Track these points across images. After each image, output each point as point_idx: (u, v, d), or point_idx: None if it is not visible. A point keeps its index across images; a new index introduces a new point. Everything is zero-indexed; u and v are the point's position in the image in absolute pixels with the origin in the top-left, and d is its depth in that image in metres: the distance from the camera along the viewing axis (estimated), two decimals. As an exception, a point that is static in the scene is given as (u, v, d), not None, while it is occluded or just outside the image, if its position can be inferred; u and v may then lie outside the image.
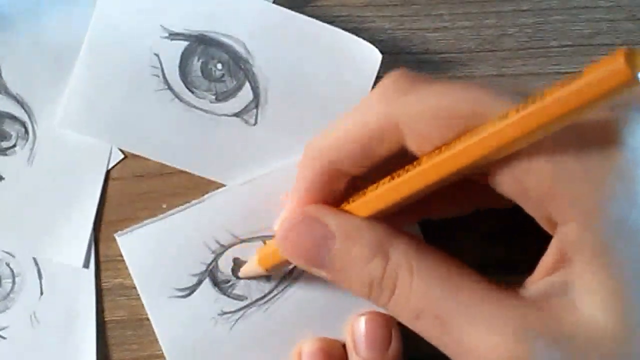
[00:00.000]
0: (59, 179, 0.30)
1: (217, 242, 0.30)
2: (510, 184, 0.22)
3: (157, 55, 0.30)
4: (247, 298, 0.30)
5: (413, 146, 0.23)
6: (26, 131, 0.30)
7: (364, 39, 0.30)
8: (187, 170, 0.30)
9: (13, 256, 0.30)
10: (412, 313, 0.23)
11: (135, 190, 0.31)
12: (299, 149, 0.29)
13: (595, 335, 0.20)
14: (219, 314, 0.30)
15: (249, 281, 0.30)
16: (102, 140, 0.30)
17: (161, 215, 0.30)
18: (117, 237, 0.30)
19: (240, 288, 0.30)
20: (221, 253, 0.30)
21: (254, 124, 0.30)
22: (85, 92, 0.30)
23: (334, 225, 0.24)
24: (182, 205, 0.30)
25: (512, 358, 0.21)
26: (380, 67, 0.31)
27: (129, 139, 0.30)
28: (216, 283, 0.30)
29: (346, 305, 0.30)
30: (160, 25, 0.30)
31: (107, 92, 0.30)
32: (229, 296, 0.30)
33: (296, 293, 0.30)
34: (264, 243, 0.30)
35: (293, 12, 0.30)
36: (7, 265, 0.30)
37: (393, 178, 0.23)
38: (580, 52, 0.32)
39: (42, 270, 0.30)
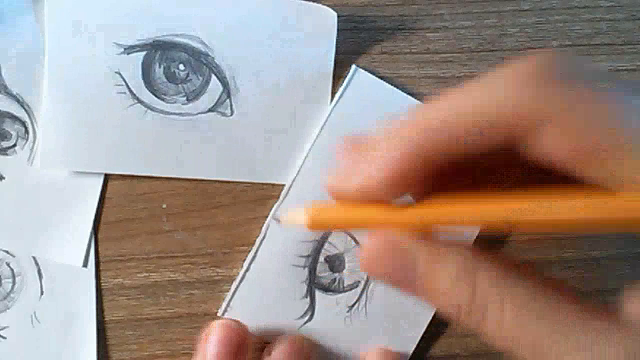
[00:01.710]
0: (59, 178, 0.30)
1: (301, 256, 0.30)
2: (566, 145, 0.18)
3: (118, 72, 0.30)
4: (359, 282, 0.30)
5: (548, 151, 0.19)
6: (26, 131, 0.30)
7: (364, 39, 0.30)
8: (179, 176, 0.30)
9: (13, 256, 0.30)
10: (503, 342, 0.22)
11: (135, 190, 0.30)
12: (281, 128, 0.30)
13: None
14: (347, 311, 0.30)
15: (351, 268, 0.30)
16: (87, 170, 0.30)
17: (243, 271, 0.30)
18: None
19: (347, 278, 0.30)
20: (311, 263, 0.30)
21: (231, 114, 0.30)
22: (58, 128, 0.30)
23: (415, 251, 0.22)
24: (181, 205, 0.30)
25: None
26: (382, 66, 0.31)
27: (113, 163, 0.30)
28: (326, 289, 0.30)
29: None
30: (114, 43, 0.30)
31: (80, 123, 0.30)
32: (344, 291, 0.30)
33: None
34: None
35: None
36: (7, 265, 0.30)
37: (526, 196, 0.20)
38: (580, 51, 0.31)
39: (42, 270, 0.30)
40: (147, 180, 0.30)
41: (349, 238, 0.30)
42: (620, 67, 0.31)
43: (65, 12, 0.30)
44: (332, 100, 0.31)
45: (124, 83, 0.30)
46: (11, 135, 0.30)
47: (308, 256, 0.30)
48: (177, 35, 0.30)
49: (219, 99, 0.30)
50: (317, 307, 0.30)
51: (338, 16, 0.31)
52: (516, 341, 0.22)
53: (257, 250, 0.30)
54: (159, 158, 0.30)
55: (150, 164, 0.30)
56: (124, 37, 0.30)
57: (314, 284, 0.30)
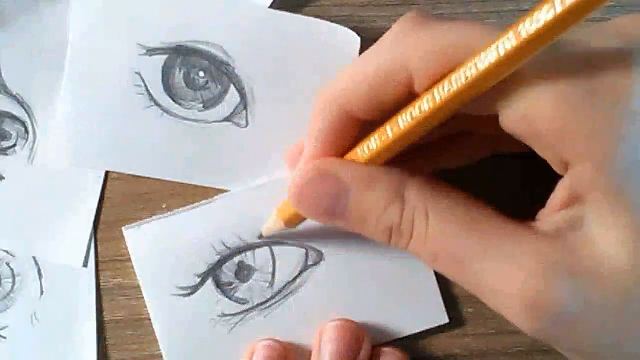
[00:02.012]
0: (59, 178, 0.30)
1: (224, 244, 0.30)
2: (521, 123, 0.21)
3: (138, 73, 0.30)
4: (248, 302, 0.30)
5: (422, 86, 0.23)
6: (26, 131, 0.30)
7: (364, 39, 0.30)
8: (188, 182, 0.30)
9: (13, 256, 0.30)
10: (431, 255, 0.23)
11: (135, 190, 0.30)
12: (293, 142, 0.29)
13: (612, 269, 0.20)
14: (219, 316, 0.30)
15: (251, 286, 0.30)
16: (100, 169, 0.30)
17: (169, 213, 0.30)
18: (124, 231, 0.30)
19: (242, 292, 0.30)
20: (227, 255, 0.30)
21: (246, 126, 0.30)
22: (74, 125, 0.30)
23: (348, 177, 0.24)
24: (181, 205, 0.30)
25: (534, 292, 0.21)
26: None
27: (125, 163, 0.30)
28: (219, 285, 0.30)
29: (345, 317, 0.30)
30: (137, 44, 0.30)
31: (96, 121, 0.30)
32: (230, 299, 0.30)
33: (297, 301, 0.30)
34: (270, 249, 0.30)
35: (266, 8, 0.30)
36: (8, 265, 0.30)
37: (397, 115, 0.23)
38: (581, 52, 0.31)
39: (42, 270, 0.30)
40: (147, 181, 0.30)
41: (270, 263, 0.30)
42: (621, 67, 0.31)
43: (92, 9, 0.30)
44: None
45: (143, 84, 0.30)
46: (11, 135, 0.30)
47: (228, 248, 0.30)
48: (200, 42, 0.30)
49: (235, 109, 0.30)
50: (198, 292, 0.30)
51: (338, 16, 0.31)
52: (440, 254, 0.23)
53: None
54: (170, 162, 0.30)
55: (162, 168, 0.30)
56: (147, 39, 0.30)
57: (212, 272, 0.30)
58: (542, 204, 0.23)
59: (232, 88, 0.30)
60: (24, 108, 0.30)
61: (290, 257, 0.30)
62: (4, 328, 0.30)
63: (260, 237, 0.30)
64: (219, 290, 0.30)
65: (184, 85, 0.30)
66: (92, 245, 0.30)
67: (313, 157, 0.25)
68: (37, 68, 0.30)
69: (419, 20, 0.23)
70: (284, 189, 0.29)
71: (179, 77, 0.30)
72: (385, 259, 0.30)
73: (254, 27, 0.30)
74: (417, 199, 0.23)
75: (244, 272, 0.30)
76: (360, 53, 0.30)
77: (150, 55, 0.30)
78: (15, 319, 0.30)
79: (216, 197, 0.30)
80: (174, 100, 0.30)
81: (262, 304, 0.30)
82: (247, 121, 0.30)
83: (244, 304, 0.30)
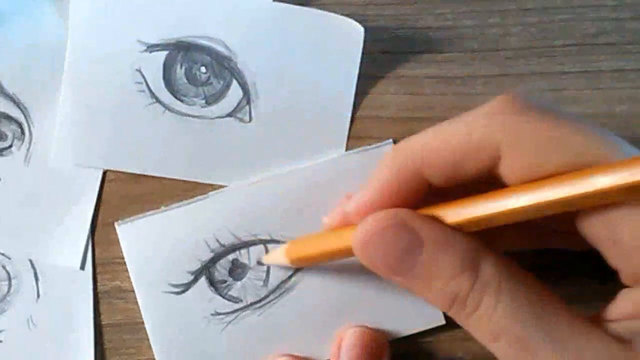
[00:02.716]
0: (56, 180, 0.30)
1: (218, 241, 0.30)
2: (601, 228, 0.21)
3: (139, 70, 0.30)
4: (242, 301, 0.30)
5: (506, 172, 0.22)
6: (22, 131, 0.30)
7: (365, 38, 0.30)
8: (192, 179, 0.30)
9: (9, 258, 0.30)
10: (492, 334, 0.23)
11: (132, 191, 0.30)
12: (298, 138, 0.30)
13: None
14: (212, 314, 0.30)
15: (245, 284, 0.30)
16: (101, 167, 0.30)
17: (163, 208, 0.30)
18: (116, 226, 0.30)
19: (236, 290, 0.30)
20: (220, 253, 0.30)
21: (249, 121, 0.30)
22: (75, 124, 0.30)
23: (424, 232, 0.23)
24: (180, 206, 0.30)
25: None
26: (383, 66, 0.31)
27: (127, 161, 0.30)
28: (212, 282, 0.30)
29: (340, 318, 0.30)
30: (137, 40, 0.30)
31: (97, 119, 0.30)
32: (224, 297, 0.30)
33: (291, 300, 0.30)
34: (265, 247, 0.30)
35: (266, 1, 0.30)
36: (4, 267, 0.30)
37: (497, 193, 0.22)
38: (584, 51, 0.31)
39: (38, 273, 0.30)
40: (145, 182, 0.30)
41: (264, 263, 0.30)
42: (625, 67, 0.31)
43: (91, 6, 0.30)
44: (352, 116, 0.31)
45: (143, 81, 0.30)
46: (7, 136, 0.30)
47: (222, 245, 0.30)
48: (201, 37, 0.30)
49: (238, 105, 0.30)
50: (191, 289, 0.30)
51: (339, 14, 0.30)
52: (503, 335, 0.22)
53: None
54: (172, 160, 0.30)
55: (165, 166, 0.30)
56: (147, 35, 0.30)
57: (206, 269, 0.30)
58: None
59: (235, 83, 0.30)
60: (20, 108, 0.30)
61: (282, 267, 0.30)
62: (0, 331, 0.30)
63: (259, 262, 0.30)
64: (212, 288, 0.30)
65: (186, 81, 0.30)
66: (89, 247, 0.30)
67: (369, 205, 0.24)
68: (33, 68, 0.30)
69: (518, 104, 0.23)
70: (280, 185, 0.29)
71: (180, 73, 0.30)
72: None
73: (255, 20, 0.30)
74: (491, 274, 0.22)
75: (237, 270, 0.30)
76: (363, 46, 0.30)
77: (150, 52, 0.30)
78: (11, 323, 0.30)
79: (211, 192, 0.30)
80: (175, 97, 0.30)
81: (255, 302, 0.30)
82: (250, 116, 0.30)
83: (237, 302, 0.30)
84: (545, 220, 0.22)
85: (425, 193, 0.24)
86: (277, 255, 0.29)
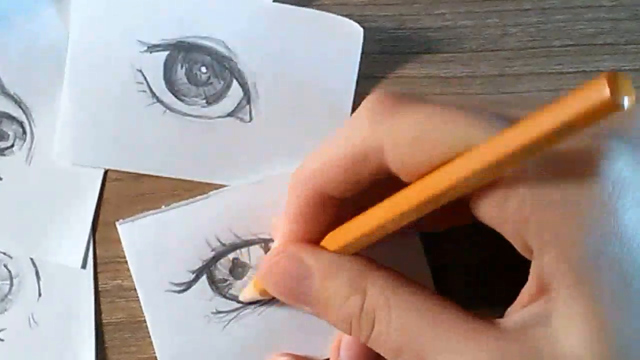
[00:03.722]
0: (57, 179, 0.30)
1: (219, 240, 0.30)
2: (489, 210, 0.22)
3: (140, 70, 0.30)
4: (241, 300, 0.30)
5: (396, 170, 0.23)
6: (24, 131, 0.30)
7: (365, 38, 0.30)
8: (193, 179, 0.30)
9: (11, 257, 0.30)
10: (392, 351, 0.23)
11: (133, 191, 0.30)
12: (298, 138, 0.30)
13: None
14: (213, 313, 0.30)
15: (246, 283, 0.30)
16: (103, 167, 0.30)
17: (164, 208, 0.30)
18: (117, 225, 0.30)
19: (236, 289, 0.30)
20: (221, 252, 0.30)
21: (250, 121, 0.30)
22: (76, 124, 0.30)
23: (312, 263, 0.25)
24: (181, 205, 0.30)
25: None
26: (382, 66, 0.31)
27: (128, 161, 0.30)
28: (213, 281, 0.30)
29: None
30: (138, 40, 0.30)
31: (98, 119, 0.30)
32: (224, 296, 0.30)
33: None
34: (265, 246, 0.30)
35: (266, 1, 0.30)
36: (5, 266, 0.30)
37: (370, 210, 0.23)
38: (582, 51, 0.31)
39: (40, 272, 0.30)
40: (146, 181, 0.30)
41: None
42: (623, 67, 0.31)
43: (93, 6, 0.30)
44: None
45: (144, 81, 0.30)
46: (8, 135, 0.30)
47: (223, 244, 0.30)
48: (201, 38, 0.30)
49: (238, 104, 0.30)
50: (192, 288, 0.30)
51: (338, 14, 0.30)
52: (403, 349, 0.23)
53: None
54: (173, 159, 0.30)
55: (166, 165, 0.30)
56: (148, 36, 0.30)
57: (207, 268, 0.30)
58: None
59: (235, 83, 0.30)
60: (21, 108, 0.30)
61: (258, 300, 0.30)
62: (2, 330, 0.30)
63: (238, 301, 0.30)
64: (213, 287, 0.30)
65: (186, 81, 0.30)
66: (91, 246, 0.30)
67: (288, 235, 0.26)
68: (35, 68, 0.30)
69: (391, 101, 0.23)
70: (279, 185, 0.29)
71: (180, 73, 0.30)
72: (381, 259, 0.30)
73: (256, 21, 0.30)
74: (379, 292, 0.23)
75: (238, 269, 0.30)
76: (362, 47, 0.30)
77: (151, 52, 0.30)
78: (12, 321, 0.30)
79: (212, 192, 0.30)
80: (176, 97, 0.30)
81: (256, 301, 0.30)
82: (251, 116, 0.30)
83: (238, 301, 0.30)
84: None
85: (337, 207, 0.25)
86: (249, 291, 0.29)
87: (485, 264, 0.30)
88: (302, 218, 0.26)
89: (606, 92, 0.16)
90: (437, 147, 0.21)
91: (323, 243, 0.26)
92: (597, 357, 0.20)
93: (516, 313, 0.22)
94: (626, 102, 0.16)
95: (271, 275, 0.26)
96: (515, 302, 0.23)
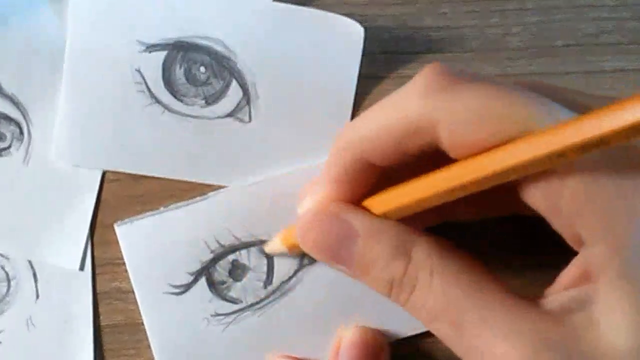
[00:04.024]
0: (55, 180, 0.30)
1: (218, 242, 0.30)
2: (541, 198, 0.22)
3: (138, 70, 0.30)
4: (241, 301, 0.30)
5: (448, 147, 0.22)
6: (21, 132, 0.30)
7: (366, 37, 0.30)
8: (191, 180, 0.30)
9: (8, 259, 0.30)
10: (429, 315, 0.23)
11: (132, 192, 0.30)
12: (298, 139, 0.30)
13: (614, 355, 0.20)
14: (212, 315, 0.30)
15: (245, 285, 0.30)
16: (101, 168, 0.30)
17: (163, 209, 0.30)
18: (116, 227, 0.30)
19: (235, 291, 0.30)
20: (220, 253, 0.30)
21: (249, 121, 0.30)
22: (74, 124, 0.30)
23: (357, 223, 0.24)
24: (180, 207, 0.30)
25: None
26: (383, 66, 0.31)
27: (126, 162, 0.30)
28: (212, 283, 0.30)
29: (340, 318, 0.30)
30: (136, 40, 0.30)
31: (97, 120, 0.30)
32: (224, 298, 0.30)
33: (291, 301, 0.30)
34: (262, 247, 0.30)
35: (266, 1, 0.30)
36: (2, 268, 0.30)
37: (421, 179, 0.23)
38: (585, 51, 0.31)
39: (37, 274, 0.30)
40: (144, 182, 0.30)
41: (265, 262, 0.30)
42: (626, 67, 0.31)
43: (90, 6, 0.30)
44: (352, 116, 0.31)
45: (143, 82, 0.30)
46: (6, 136, 0.30)
47: (222, 246, 0.30)
48: (200, 37, 0.30)
49: (238, 105, 0.30)
50: (191, 290, 0.29)
51: (339, 14, 0.30)
52: (440, 316, 0.23)
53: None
54: (172, 160, 0.30)
55: (165, 166, 0.30)
56: (146, 35, 0.30)
57: (206, 270, 0.29)
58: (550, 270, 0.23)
59: (234, 83, 0.30)
60: (19, 109, 0.30)
61: (285, 256, 0.30)
62: (-1, 332, 0.30)
63: (262, 251, 0.30)
64: (212, 289, 0.30)
65: (185, 81, 0.30)
66: (89, 248, 0.30)
67: (326, 197, 0.26)
68: (32, 68, 0.30)
69: (449, 76, 0.23)
70: (280, 185, 0.29)
71: (179, 73, 0.30)
72: None
73: (255, 20, 0.30)
74: (423, 257, 0.23)
75: (237, 271, 0.30)
76: (364, 46, 0.30)
77: (150, 52, 0.30)
78: (10, 323, 0.30)
79: (211, 193, 0.30)
80: (175, 97, 0.30)
81: (255, 303, 0.30)
82: (250, 116, 0.30)
83: (237, 303, 0.30)
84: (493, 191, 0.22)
85: (377, 175, 0.25)
86: (277, 246, 0.29)
87: (485, 264, 0.30)
88: (342, 181, 0.25)
89: None
90: (496, 128, 0.21)
91: (365, 205, 0.25)
92: (635, 351, 0.20)
93: (557, 294, 0.22)
94: None
95: (312, 232, 0.25)
96: (555, 284, 0.23)
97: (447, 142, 0.22)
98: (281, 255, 0.30)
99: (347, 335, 0.29)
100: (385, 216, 0.25)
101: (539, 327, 0.21)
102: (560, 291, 0.22)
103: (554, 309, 0.22)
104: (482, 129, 0.21)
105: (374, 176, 0.25)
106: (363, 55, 0.30)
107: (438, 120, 0.22)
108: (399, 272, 0.24)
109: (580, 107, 0.22)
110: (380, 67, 0.31)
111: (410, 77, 0.31)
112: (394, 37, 0.31)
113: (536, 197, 0.22)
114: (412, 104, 0.23)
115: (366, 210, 0.25)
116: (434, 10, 0.31)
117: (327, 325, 0.30)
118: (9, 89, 0.30)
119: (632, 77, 0.31)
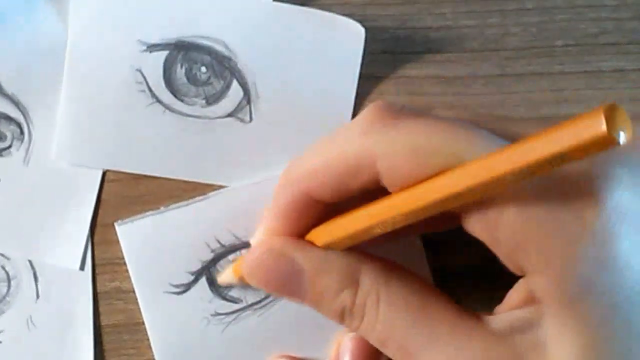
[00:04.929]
0: (55, 180, 0.30)
1: (218, 242, 0.30)
2: (480, 229, 0.22)
3: (139, 70, 0.30)
4: (242, 301, 0.30)
5: (388, 182, 0.23)
6: (22, 132, 0.30)
7: (366, 37, 0.30)
8: (192, 180, 0.30)
9: (8, 259, 0.30)
10: (378, 341, 0.24)
11: (132, 192, 0.30)
12: (299, 138, 0.30)
13: None
14: (212, 315, 0.30)
15: (245, 285, 0.30)
16: (101, 168, 0.30)
17: (163, 209, 0.30)
18: (116, 227, 0.30)
19: (236, 291, 0.30)
20: (221, 253, 0.30)
21: (250, 121, 0.30)
22: (75, 124, 0.30)
23: (301, 260, 0.25)
24: (180, 206, 0.30)
25: None
26: (384, 66, 0.31)
27: (127, 161, 0.30)
28: (212, 283, 0.30)
29: None
30: (137, 40, 0.30)
31: (97, 119, 0.30)
32: (224, 298, 0.30)
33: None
34: None
35: (267, 1, 0.30)
36: (3, 268, 0.30)
37: (360, 210, 0.23)
38: (585, 51, 0.31)
39: (38, 273, 0.30)
40: (145, 182, 0.30)
41: None
42: (626, 67, 0.31)
43: (91, 6, 0.30)
44: (352, 116, 0.31)
45: (144, 81, 0.30)
46: (6, 136, 0.30)
47: (223, 245, 0.30)
48: (201, 37, 0.30)
49: (239, 104, 0.30)
50: (191, 290, 0.30)
51: (339, 14, 0.30)
52: (388, 342, 0.23)
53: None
54: (173, 160, 0.30)
55: (165, 166, 0.30)
56: (147, 35, 0.30)
57: (206, 270, 0.30)
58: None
59: (235, 83, 0.30)
60: (19, 109, 0.30)
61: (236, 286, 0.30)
62: (0, 332, 0.30)
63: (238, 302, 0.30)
64: (212, 289, 0.30)
65: (186, 81, 0.30)
66: (89, 247, 0.30)
67: (271, 232, 0.26)
68: (33, 68, 0.30)
69: (389, 112, 0.23)
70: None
71: (180, 72, 0.30)
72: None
73: (256, 20, 0.30)
74: (370, 284, 0.24)
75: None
76: (364, 47, 0.30)
77: (150, 52, 0.30)
78: (10, 323, 0.30)
79: (211, 193, 0.30)
80: (176, 97, 0.30)
81: (255, 303, 0.30)
82: (251, 116, 0.30)
83: (237, 302, 0.30)
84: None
85: (323, 209, 0.25)
86: (228, 276, 0.29)
87: (485, 265, 0.30)
88: (286, 217, 0.25)
89: (602, 127, 0.16)
90: (431, 159, 0.21)
91: (309, 238, 0.26)
92: None
93: (505, 314, 0.22)
94: (622, 138, 0.16)
95: (258, 271, 0.26)
96: (504, 302, 0.23)
97: (385, 176, 0.23)
98: (232, 285, 0.30)
99: (345, 341, 0.29)
100: (330, 247, 0.25)
101: (486, 348, 0.21)
102: (508, 309, 0.22)
103: (501, 328, 0.22)
104: (415, 162, 0.22)
105: (319, 211, 0.25)
106: (363, 55, 0.30)
107: (377, 155, 0.22)
108: (348, 303, 0.24)
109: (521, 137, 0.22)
110: (380, 67, 0.31)
111: (410, 77, 0.31)
112: (394, 37, 0.31)
113: (476, 228, 0.22)
114: (353, 142, 0.23)
115: (311, 244, 0.25)
116: (434, 10, 0.31)
117: (326, 325, 0.30)
118: (9, 88, 0.30)
119: (632, 77, 0.31)
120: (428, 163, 0.21)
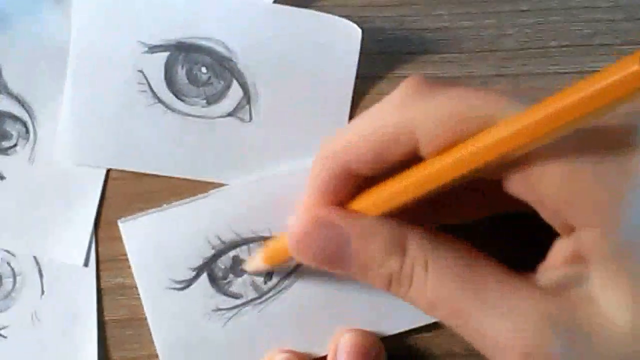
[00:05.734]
0: (60, 178, 0.30)
1: (219, 239, 0.30)
2: (525, 189, 0.22)
3: (141, 71, 0.30)
4: (242, 297, 0.30)
5: (427, 151, 0.23)
6: (27, 131, 0.30)
7: (363, 39, 0.30)
8: (193, 178, 0.30)
9: (14, 255, 0.30)
10: (429, 305, 0.24)
11: (135, 190, 0.30)
12: (297, 137, 0.30)
13: (610, 329, 0.21)
14: (213, 310, 0.30)
15: (246, 280, 0.30)
16: (105, 166, 0.30)
17: (165, 206, 0.30)
18: (119, 224, 0.30)
19: (236, 286, 0.30)
20: (222, 250, 0.30)
21: (249, 120, 0.30)
22: (78, 124, 0.30)
23: (348, 227, 0.24)
24: (183, 203, 0.30)
25: (532, 346, 0.21)
26: (381, 67, 0.31)
27: (129, 160, 0.30)
28: (214, 279, 0.30)
29: (340, 315, 0.30)
30: (139, 41, 0.30)
31: (100, 119, 0.30)
32: (225, 293, 0.30)
33: (291, 297, 0.30)
34: (263, 243, 0.30)
35: (265, 2, 0.30)
36: (8, 264, 0.30)
37: (402, 175, 0.24)
38: (579, 52, 0.31)
39: (42, 270, 0.30)
40: (148, 180, 0.30)
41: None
42: (619, 68, 0.31)
43: (94, 7, 0.30)
44: (350, 115, 0.31)
45: (145, 82, 0.30)
46: (12, 135, 0.30)
47: (223, 242, 0.30)
48: (201, 38, 0.30)
49: (238, 104, 0.30)
50: (193, 286, 0.30)
51: (338, 15, 0.31)
52: (439, 306, 0.23)
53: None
54: (174, 158, 0.30)
55: (167, 165, 0.30)
56: (149, 36, 0.30)
57: (207, 266, 0.30)
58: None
59: (235, 83, 0.30)
60: (24, 108, 0.30)
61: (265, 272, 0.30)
62: (5, 327, 0.30)
63: (239, 274, 0.30)
64: (213, 285, 0.30)
65: (187, 81, 0.30)
66: (93, 244, 0.30)
67: (313, 206, 0.26)
68: (37, 68, 0.30)
69: (425, 85, 0.23)
70: (280, 183, 0.29)
71: (181, 73, 0.30)
72: None
73: (255, 21, 0.30)
74: (416, 250, 0.24)
75: (238, 267, 0.30)
76: (361, 47, 0.30)
77: (152, 53, 0.30)
78: (15, 319, 0.30)
79: (212, 190, 0.30)
80: (177, 97, 0.30)
81: (256, 298, 0.30)
82: (250, 116, 0.30)
83: (238, 298, 0.30)
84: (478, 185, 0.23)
85: (360, 183, 0.25)
86: (257, 263, 0.29)
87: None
88: (325, 191, 0.25)
89: (636, 66, 0.16)
90: (469, 124, 0.22)
91: (353, 206, 0.25)
92: (631, 323, 0.20)
93: (551, 270, 0.23)
94: None
95: (302, 245, 0.25)
96: (547, 262, 0.23)
97: (424, 143, 0.23)
98: (262, 271, 0.30)
99: (342, 341, 0.29)
100: (374, 214, 0.25)
101: (537, 303, 0.22)
102: (553, 268, 0.23)
103: (549, 284, 0.22)
104: (454, 127, 0.22)
105: (357, 185, 0.25)
106: (361, 55, 0.31)
107: (416, 126, 0.23)
108: (395, 269, 0.24)
109: None
110: (377, 67, 0.31)
111: (407, 77, 0.31)
112: (391, 38, 0.31)
113: (519, 189, 0.22)
114: (392, 114, 0.23)
115: (355, 212, 0.25)
116: (430, 12, 0.31)
117: (326, 321, 0.30)
118: (15, 88, 0.30)
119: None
120: (466, 128, 0.22)
